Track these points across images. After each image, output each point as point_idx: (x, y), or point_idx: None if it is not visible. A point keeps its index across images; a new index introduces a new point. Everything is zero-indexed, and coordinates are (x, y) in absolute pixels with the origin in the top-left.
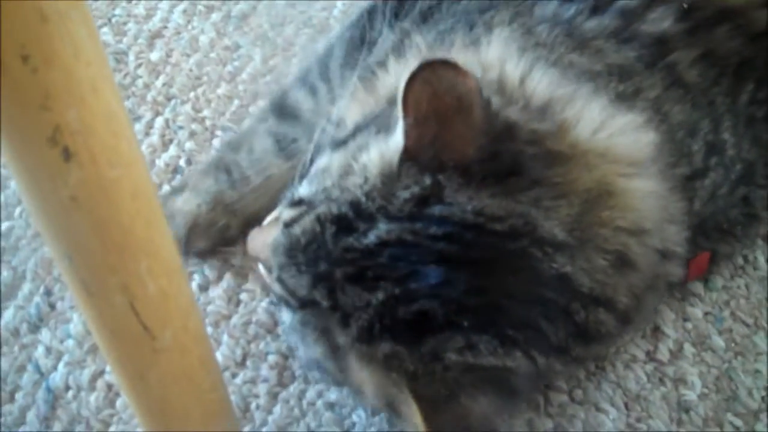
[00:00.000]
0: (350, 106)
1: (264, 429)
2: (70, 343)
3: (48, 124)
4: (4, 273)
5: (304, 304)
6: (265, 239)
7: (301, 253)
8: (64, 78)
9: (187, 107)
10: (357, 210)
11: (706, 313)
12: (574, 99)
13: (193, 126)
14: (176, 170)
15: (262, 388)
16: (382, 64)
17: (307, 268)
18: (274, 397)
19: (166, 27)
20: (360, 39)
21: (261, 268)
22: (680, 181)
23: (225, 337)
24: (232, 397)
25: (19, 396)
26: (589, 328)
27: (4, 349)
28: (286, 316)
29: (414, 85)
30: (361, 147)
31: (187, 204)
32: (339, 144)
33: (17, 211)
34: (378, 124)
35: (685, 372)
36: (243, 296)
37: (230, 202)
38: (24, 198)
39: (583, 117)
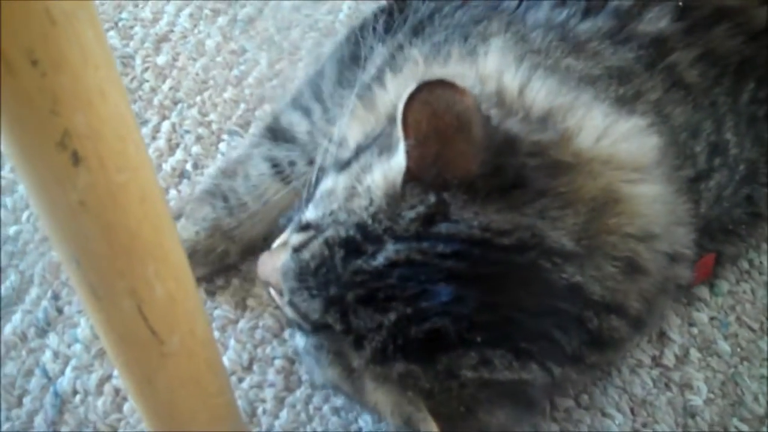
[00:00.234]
0: (351, 125)
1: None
2: (78, 347)
3: (57, 129)
4: (12, 277)
5: (317, 328)
6: (274, 264)
7: (312, 277)
8: (72, 82)
9: (194, 111)
10: (364, 232)
11: (711, 318)
12: (575, 107)
13: (200, 130)
14: (183, 174)
15: (268, 393)
16: (379, 80)
17: (319, 292)
18: (280, 401)
19: (172, 31)
20: (351, 57)
21: (272, 292)
22: (685, 184)
23: (232, 342)
24: (239, 402)
25: (26, 400)
26: (602, 335)
27: (12, 353)
28: (299, 339)
29: (413, 106)
30: (365, 168)
31: (184, 231)
32: (343, 166)
33: (25, 215)
34: (380, 144)
35: (691, 377)
36: (250, 301)
37: (228, 229)
38: (32, 202)
39: (585, 125)
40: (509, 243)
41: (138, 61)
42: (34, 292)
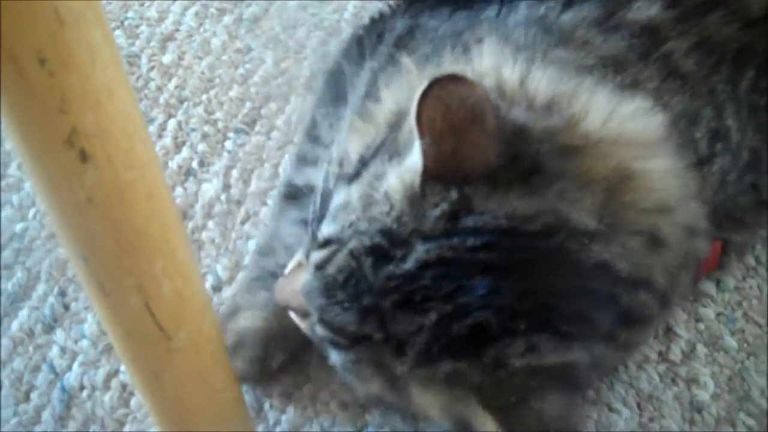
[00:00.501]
0: (351, 138)
1: (277, 429)
2: (85, 343)
3: (65, 127)
4: (19, 274)
5: (354, 341)
6: (293, 287)
7: (341, 290)
8: (80, 81)
9: (200, 110)
10: (390, 237)
11: (718, 314)
12: (578, 93)
13: (206, 128)
14: (189, 172)
15: (275, 388)
16: (374, 92)
17: (351, 304)
18: (287, 396)
19: (178, 30)
20: (336, 87)
21: (293, 315)
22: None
23: None
24: (246, 397)
25: (34, 396)
26: (632, 311)
27: (19, 349)
28: (335, 356)
29: (426, 103)
30: (378, 176)
31: (254, 321)
32: (352, 178)
33: (31, 212)
34: (387, 150)
35: (698, 372)
36: None
37: None
38: (40, 199)
39: (590, 109)
40: (535, 228)
41: (144, 59)
42: (41, 288)
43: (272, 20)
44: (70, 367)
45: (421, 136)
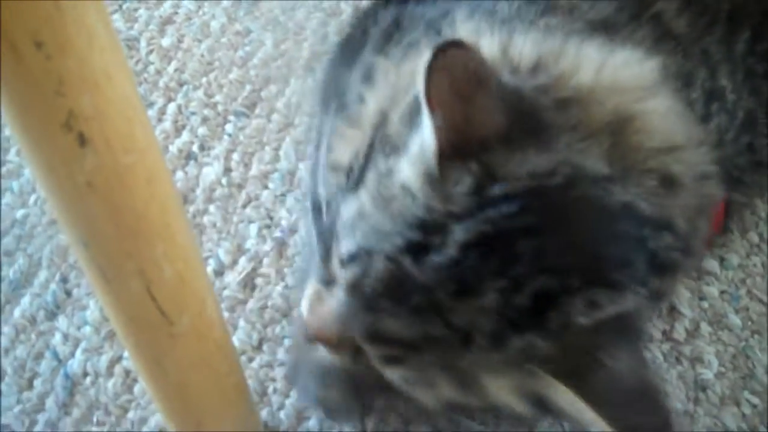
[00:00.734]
0: (338, 147)
1: (281, 413)
2: (87, 329)
3: (62, 110)
4: (20, 261)
5: (414, 348)
6: (322, 318)
7: (387, 299)
8: (77, 64)
9: (200, 93)
10: (423, 228)
11: (722, 292)
12: (565, 51)
13: (206, 111)
14: (189, 156)
15: (278, 372)
16: (357, 98)
17: (401, 308)
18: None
19: (176, 13)
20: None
21: (322, 349)
22: None
23: (241, 322)
24: (249, 381)
25: (37, 383)
26: (659, 256)
27: (22, 336)
28: (393, 374)
29: (433, 77)
30: (384, 174)
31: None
32: (353, 186)
33: (32, 198)
34: (382, 148)
35: (702, 351)
36: (258, 281)
37: None
38: (39, 185)
39: (581, 63)
40: (559, 182)
41: (143, 43)
42: (42, 275)
43: (271, 2)
44: (73, 354)
45: (432, 112)
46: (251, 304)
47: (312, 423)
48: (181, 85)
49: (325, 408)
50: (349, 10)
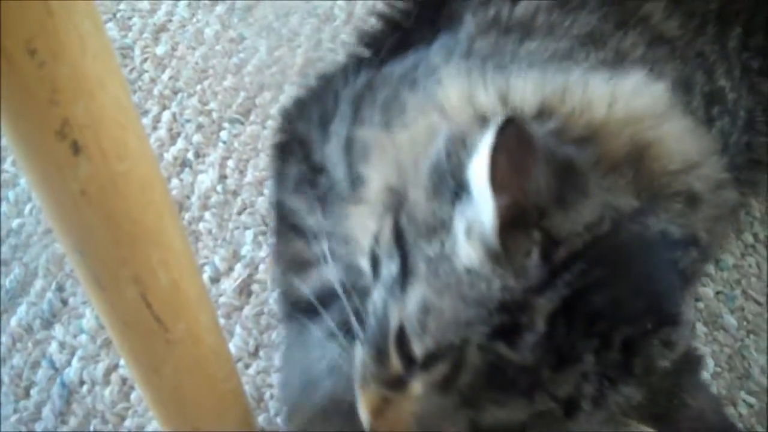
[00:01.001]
0: (353, 230)
1: (278, 418)
2: (84, 338)
3: (56, 118)
4: (16, 270)
5: (522, 428)
6: (399, 423)
7: (488, 389)
8: (71, 72)
9: (194, 100)
10: (508, 310)
11: (717, 293)
12: (569, 88)
13: (201, 119)
14: (184, 163)
15: (275, 378)
16: (347, 175)
17: (507, 394)
18: None
19: (170, 20)
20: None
21: None
22: None
23: (237, 328)
24: (246, 388)
25: (34, 392)
26: (687, 271)
27: (18, 345)
28: None
29: (497, 161)
30: (436, 260)
31: None
32: (400, 284)
33: (28, 208)
34: (416, 233)
35: (698, 351)
36: (254, 287)
37: None
38: (34, 193)
39: (591, 100)
40: (607, 228)
41: (137, 51)
42: (38, 284)
43: (265, 8)
44: (69, 363)
45: (498, 196)
46: (247, 310)
47: None
48: (175, 92)
49: None
50: (342, 15)
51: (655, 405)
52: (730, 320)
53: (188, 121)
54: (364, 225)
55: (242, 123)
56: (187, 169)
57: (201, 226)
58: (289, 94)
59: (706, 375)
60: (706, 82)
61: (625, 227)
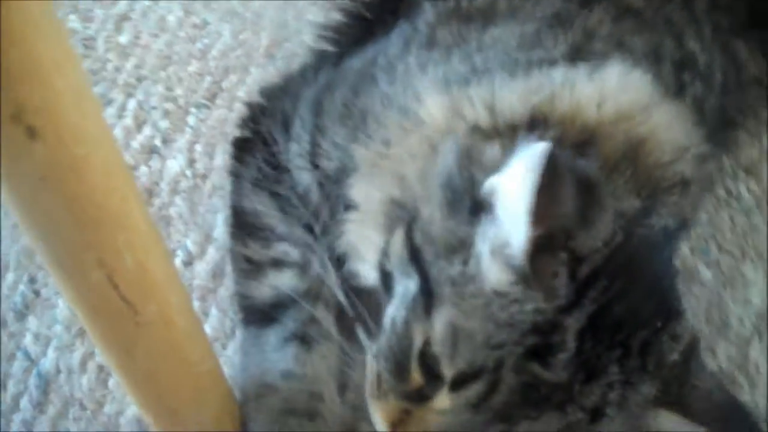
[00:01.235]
0: (356, 247)
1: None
2: (58, 328)
3: (10, 103)
4: None
5: None
6: None
7: (522, 407)
8: (23, 56)
9: (159, 87)
10: (541, 332)
11: (693, 248)
12: (557, 93)
13: (167, 105)
14: (152, 150)
15: None
16: (344, 193)
17: (540, 409)
18: None
19: (133, 9)
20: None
21: None
22: None
23: (213, 310)
24: (225, 368)
25: (11, 384)
26: (674, 251)
27: None
28: None
29: (539, 198)
30: (462, 283)
31: None
32: (421, 306)
33: None
34: (434, 252)
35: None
36: (227, 268)
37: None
38: None
39: (579, 102)
40: (620, 239)
41: (100, 42)
42: (10, 277)
43: None
44: (44, 353)
45: (535, 228)
46: (222, 291)
47: None
48: (140, 80)
49: None
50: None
51: (668, 394)
52: (706, 274)
53: (154, 108)
54: (363, 235)
55: (209, 107)
56: (155, 156)
57: (172, 211)
58: (255, 77)
59: None
60: (675, 48)
61: (634, 234)
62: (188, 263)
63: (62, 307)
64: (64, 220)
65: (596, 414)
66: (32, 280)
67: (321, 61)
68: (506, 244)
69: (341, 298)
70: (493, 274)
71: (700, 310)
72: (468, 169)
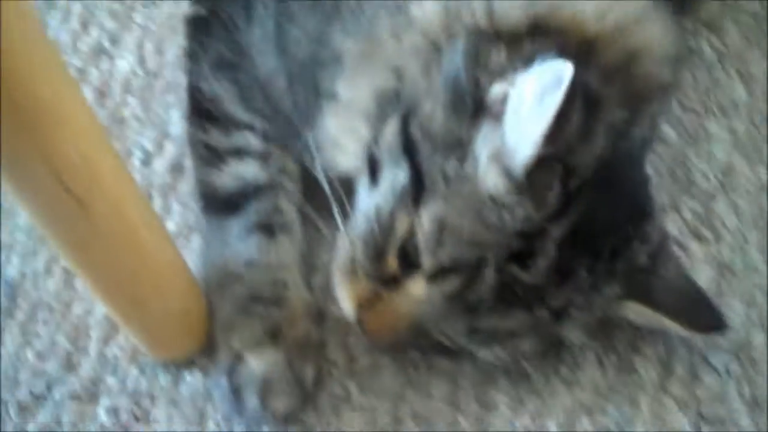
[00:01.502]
0: (326, 123)
1: None
2: (20, 235)
3: None
4: None
5: (515, 332)
6: (390, 317)
7: (495, 303)
8: None
9: None
10: (525, 237)
11: None
12: (556, 2)
13: (112, 5)
14: (101, 52)
15: None
16: (328, 87)
17: (512, 308)
18: None
19: None
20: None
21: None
22: None
23: (175, 206)
24: (191, 261)
25: None
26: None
27: None
28: (485, 353)
29: (556, 122)
30: (456, 180)
31: (264, 362)
32: (410, 196)
33: None
34: (432, 147)
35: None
36: (186, 163)
37: (292, 319)
38: None
39: (580, 11)
40: (609, 153)
41: None
42: None
43: None
44: (9, 260)
45: (544, 146)
46: (182, 187)
47: None
48: None
49: (275, 414)
50: None
51: (634, 289)
52: (670, 132)
53: (99, 8)
54: (346, 124)
55: (155, 3)
56: (104, 57)
57: (125, 111)
58: None
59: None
60: None
61: (619, 146)
62: (146, 162)
63: (23, 214)
64: (4, 117)
65: (560, 315)
66: None
67: None
68: (508, 153)
69: (322, 179)
70: (490, 178)
71: (664, 167)
72: (473, 70)
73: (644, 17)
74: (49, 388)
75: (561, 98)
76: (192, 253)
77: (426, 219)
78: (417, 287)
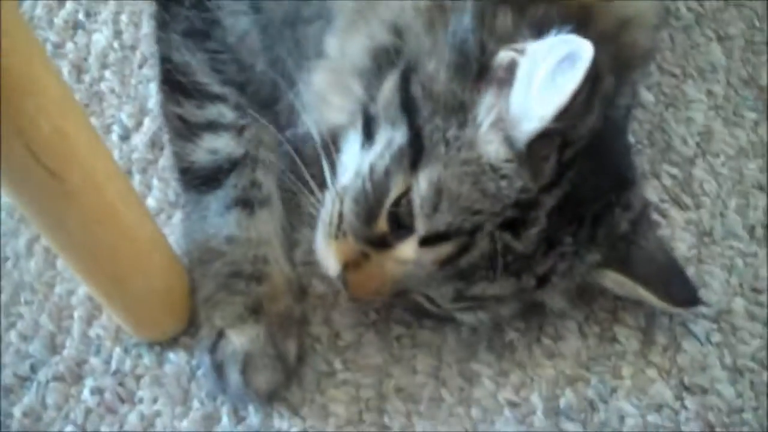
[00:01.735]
0: (313, 80)
1: None
2: (1, 215)
3: None
4: None
5: (501, 298)
6: (379, 278)
7: (484, 269)
8: None
9: None
10: (521, 207)
11: None
12: None
13: None
14: (77, 25)
15: None
16: (312, 47)
17: (501, 274)
18: None
19: None
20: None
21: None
22: None
23: (155, 181)
24: (171, 237)
25: None
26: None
27: None
28: (469, 317)
29: (571, 100)
30: (457, 146)
31: (245, 338)
32: (408, 158)
33: None
34: (433, 108)
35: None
36: (165, 138)
37: (273, 295)
38: None
39: None
40: (600, 124)
41: None
42: None
43: None
44: None
45: (555, 122)
46: (162, 162)
47: None
48: None
49: (258, 391)
50: None
51: (614, 257)
52: (648, 96)
53: None
54: (336, 81)
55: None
56: (80, 31)
57: (103, 85)
58: None
59: None
60: None
61: (608, 117)
62: (125, 137)
63: (3, 195)
64: None
65: (543, 280)
66: None
67: None
68: (511, 123)
69: (316, 136)
70: (492, 147)
71: (643, 132)
72: (480, 32)
73: None
74: (33, 369)
75: (580, 79)
76: (175, 230)
77: (424, 183)
78: (408, 251)
